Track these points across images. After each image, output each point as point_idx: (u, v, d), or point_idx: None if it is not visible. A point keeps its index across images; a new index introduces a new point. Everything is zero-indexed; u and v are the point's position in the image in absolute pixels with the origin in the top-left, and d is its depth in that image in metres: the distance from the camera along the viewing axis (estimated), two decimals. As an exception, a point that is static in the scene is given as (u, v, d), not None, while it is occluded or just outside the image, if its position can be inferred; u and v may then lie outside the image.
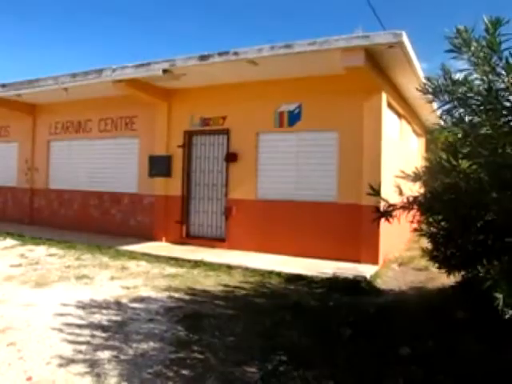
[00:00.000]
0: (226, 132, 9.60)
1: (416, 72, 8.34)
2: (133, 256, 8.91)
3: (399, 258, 9.19)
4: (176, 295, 6.32)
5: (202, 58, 8.45)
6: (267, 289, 6.76)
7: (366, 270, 7.63)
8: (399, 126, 10.75)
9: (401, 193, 4.65)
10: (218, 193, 9.71)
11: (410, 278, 7.68)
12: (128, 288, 6.60)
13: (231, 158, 9.58)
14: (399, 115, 10.59)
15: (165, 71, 8.86)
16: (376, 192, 4.81)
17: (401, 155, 10.14)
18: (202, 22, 54.66)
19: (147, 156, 10.46)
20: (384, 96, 8.46)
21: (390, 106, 9.19)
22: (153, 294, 6.34)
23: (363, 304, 6.05)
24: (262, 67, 8.30)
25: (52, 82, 10.61)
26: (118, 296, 6.21)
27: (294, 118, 9.03)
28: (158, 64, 8.92)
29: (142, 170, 10.67)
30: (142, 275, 7.40)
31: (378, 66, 8.12)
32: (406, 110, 11.11)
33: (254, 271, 7.75)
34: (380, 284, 7.25)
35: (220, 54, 8.31)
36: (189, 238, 10.02)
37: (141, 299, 6.08)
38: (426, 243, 5.45)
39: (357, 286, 6.85)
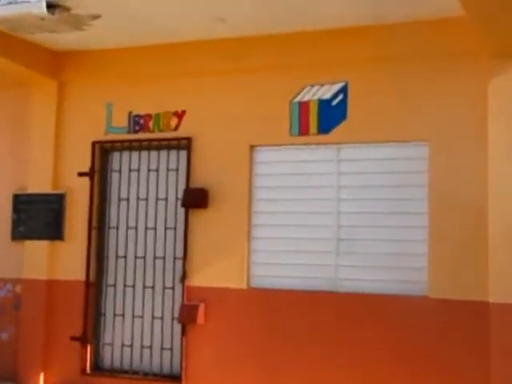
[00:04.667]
0: (185, 144, 6.54)
1: None
2: None
3: None
4: None
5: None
6: None
7: None
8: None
9: None
10: (166, 274, 6.63)
11: None
12: None
13: (195, 199, 6.27)
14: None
15: (51, 7, 5.65)
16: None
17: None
18: None
19: (9, 195, 7.84)
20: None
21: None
22: None
23: None
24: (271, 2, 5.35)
25: None
26: None
27: (332, 114, 6.09)
28: None
29: None
30: None
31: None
32: None
33: None
34: None
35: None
36: (99, 376, 6.74)
37: None
38: None
39: None
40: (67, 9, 5.65)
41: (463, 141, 5.56)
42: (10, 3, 5.80)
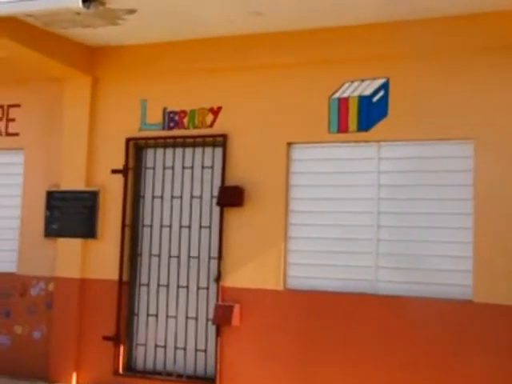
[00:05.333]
0: (221, 142, 6.54)
1: None
2: None
3: None
4: None
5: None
6: None
7: None
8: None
9: None
10: (200, 274, 6.66)
11: None
12: None
13: (230, 198, 6.31)
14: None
15: (87, 1, 5.41)
16: None
17: None
18: None
19: (42, 192, 7.65)
20: None
21: None
22: None
23: None
24: None
25: None
26: None
27: (372, 111, 6.00)
28: None
29: (28, 220, 7.55)
30: None
31: None
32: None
33: None
34: None
35: None
36: (132, 377, 6.79)
37: None
38: None
39: None
40: (102, 3, 5.56)
41: (511, 138, 5.43)
42: (45, -3, 5.60)
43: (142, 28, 6.30)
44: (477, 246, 5.39)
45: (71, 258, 6.99)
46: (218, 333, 6.16)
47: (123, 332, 6.69)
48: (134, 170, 6.78)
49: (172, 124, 6.62)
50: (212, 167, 6.41)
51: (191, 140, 6.47)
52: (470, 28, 5.57)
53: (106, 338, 6.63)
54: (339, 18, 5.75)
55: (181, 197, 6.53)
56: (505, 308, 5.32)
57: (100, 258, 6.90)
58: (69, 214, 7.07)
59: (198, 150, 6.50)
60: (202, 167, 6.45)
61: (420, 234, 5.72)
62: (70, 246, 7.00)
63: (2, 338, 7.46)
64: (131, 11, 5.78)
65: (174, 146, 6.61)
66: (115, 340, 6.61)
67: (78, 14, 5.78)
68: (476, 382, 5.40)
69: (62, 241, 7.04)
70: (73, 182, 7.05)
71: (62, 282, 7.02)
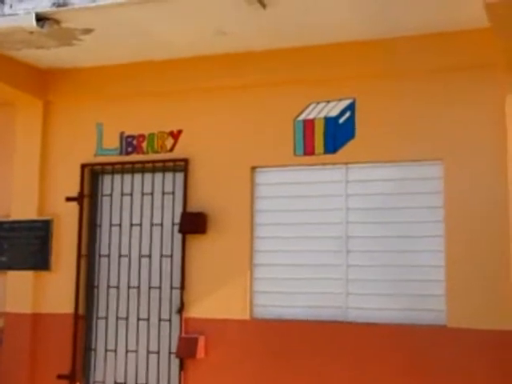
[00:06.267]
0: (182, 166, 6.37)
1: None
2: None
3: None
4: None
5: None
6: None
7: None
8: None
9: None
10: (162, 305, 6.42)
11: None
12: None
13: (193, 224, 6.03)
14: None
15: (41, 20, 5.46)
16: None
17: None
18: None
19: None
20: None
21: None
22: None
23: None
24: (274, 12, 5.16)
25: None
26: None
27: (339, 133, 5.91)
28: (23, 2, 5.48)
29: None
30: None
31: None
32: None
33: None
34: None
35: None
36: None
37: None
38: None
39: None
40: (57, 22, 5.35)
41: (480, 158, 5.42)
42: (-4, 16, 5.34)
43: (97, 49, 6.14)
44: (449, 269, 5.34)
45: (22, 292, 6.65)
46: (182, 366, 5.95)
47: (79, 369, 6.38)
48: (89, 197, 6.53)
49: (130, 149, 6.42)
50: (173, 193, 6.23)
51: (150, 165, 6.29)
52: (435, 48, 5.58)
53: (60, 377, 6.30)
54: (304, 38, 5.71)
55: (140, 224, 6.32)
56: (479, 332, 5.28)
57: (54, 291, 6.56)
58: (20, 244, 6.74)
59: (158, 176, 6.32)
60: (163, 193, 6.26)
61: (391, 258, 5.63)
62: (20, 279, 6.66)
63: None
64: (88, 31, 5.61)
65: (133, 171, 6.41)
66: (71, 378, 6.32)
67: (32, 33, 5.56)
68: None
69: (12, 274, 6.71)
70: (24, 211, 6.76)
71: (13, 318, 6.71)
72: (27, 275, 6.62)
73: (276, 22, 5.33)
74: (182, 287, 6.06)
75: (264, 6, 4.89)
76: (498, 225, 5.20)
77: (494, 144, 5.33)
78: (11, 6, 5.42)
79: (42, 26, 5.41)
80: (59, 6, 5.23)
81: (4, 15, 5.46)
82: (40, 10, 5.36)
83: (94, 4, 5.14)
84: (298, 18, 5.28)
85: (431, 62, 5.63)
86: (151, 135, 6.35)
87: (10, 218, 6.83)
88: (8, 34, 5.68)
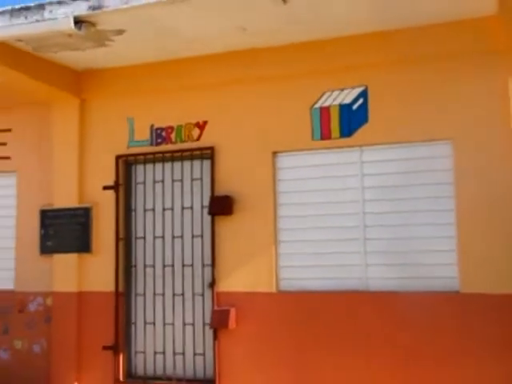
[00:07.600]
0: (208, 154, 6.54)
1: None
2: None
3: None
4: None
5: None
6: None
7: None
8: None
9: None
10: (194, 281, 6.59)
11: None
12: None
13: (220, 207, 6.35)
14: None
15: (79, 22, 5.52)
16: None
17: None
18: None
19: (36, 211, 7.32)
20: None
21: None
22: None
23: None
24: (291, 6, 5.23)
25: None
26: None
27: (353, 118, 6.07)
28: (61, 7, 5.55)
29: (23, 239, 7.42)
30: None
31: None
32: None
33: None
34: None
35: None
36: (133, 383, 6.75)
37: None
38: None
39: None
40: (93, 24, 5.57)
41: (487, 137, 5.56)
42: (37, 21, 5.63)
43: (128, 48, 6.28)
44: (460, 240, 5.48)
45: (68, 273, 6.89)
46: (216, 336, 6.16)
47: (122, 341, 6.62)
48: (124, 185, 6.78)
49: (160, 140, 6.63)
50: (201, 179, 6.43)
51: (179, 154, 6.48)
52: (443, 35, 5.66)
53: (105, 348, 6.57)
54: (319, 31, 5.83)
55: (172, 208, 6.55)
56: (490, 297, 5.40)
57: (96, 271, 6.81)
58: (63, 230, 6.98)
59: (187, 163, 6.53)
60: (192, 179, 6.48)
61: (405, 231, 5.76)
62: (65, 262, 6.91)
63: (1, 352, 7.33)
64: (120, 32, 5.78)
65: (163, 160, 6.61)
66: (115, 349, 6.55)
67: (70, 35, 5.72)
68: (467, 369, 5.41)
69: (57, 257, 6.94)
70: (66, 200, 6.98)
71: (60, 297, 6.93)
72: (71, 258, 6.88)
73: (293, 15, 5.41)
74: (213, 264, 6.25)
75: (285, 0, 5.07)
76: (504, 200, 5.42)
77: (499, 123, 5.48)
78: (51, 11, 5.52)
79: (79, 29, 5.51)
80: (95, 8, 5.35)
81: (44, 20, 5.56)
82: (77, 13, 5.42)
83: (126, 6, 5.25)
84: (314, 11, 5.36)
85: (439, 48, 5.72)
86: (179, 126, 6.55)
87: (54, 207, 7.03)
88: (47, 38, 5.87)
